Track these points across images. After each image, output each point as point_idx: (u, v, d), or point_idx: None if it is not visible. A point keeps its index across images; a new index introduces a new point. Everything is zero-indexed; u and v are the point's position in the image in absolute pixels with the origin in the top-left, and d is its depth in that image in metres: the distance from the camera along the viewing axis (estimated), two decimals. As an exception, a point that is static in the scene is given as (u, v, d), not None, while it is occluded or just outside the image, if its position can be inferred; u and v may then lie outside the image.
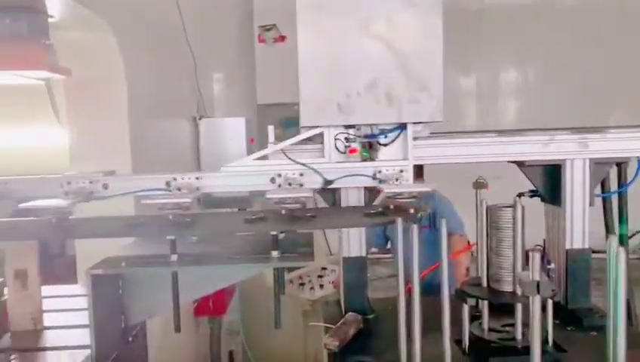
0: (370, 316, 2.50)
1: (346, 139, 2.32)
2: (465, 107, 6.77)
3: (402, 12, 2.23)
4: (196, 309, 3.42)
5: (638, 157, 2.36)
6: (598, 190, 2.44)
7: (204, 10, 4.70)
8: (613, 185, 2.47)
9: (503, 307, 2.13)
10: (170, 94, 3.68)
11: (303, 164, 2.23)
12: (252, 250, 2.04)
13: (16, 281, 2.14)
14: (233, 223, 2.09)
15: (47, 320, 2.23)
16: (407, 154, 2.32)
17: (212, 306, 3.42)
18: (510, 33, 6.35)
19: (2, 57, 2.03)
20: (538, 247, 1.81)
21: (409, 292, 1.91)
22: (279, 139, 2.49)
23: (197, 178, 2.19)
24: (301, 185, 2.21)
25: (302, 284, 3.89)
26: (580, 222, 2.36)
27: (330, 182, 2.24)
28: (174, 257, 1.94)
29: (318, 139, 2.35)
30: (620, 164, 2.40)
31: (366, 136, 2.31)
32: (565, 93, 6.22)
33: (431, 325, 1.86)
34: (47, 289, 2.32)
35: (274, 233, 1.97)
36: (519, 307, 2.00)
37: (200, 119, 3.98)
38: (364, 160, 2.31)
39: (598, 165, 2.35)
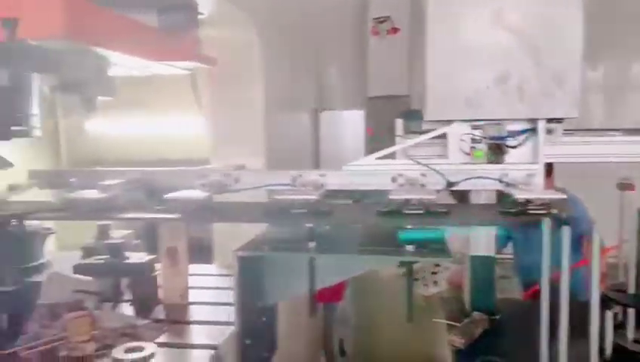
0: (497, 316, 2.45)
1: (472, 140, 2.27)
2: (591, 102, 6.33)
3: (538, 1, 2.12)
4: (317, 295, 3.51)
5: None
6: None
7: (321, 3, 4.78)
8: None
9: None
10: (296, 87, 3.80)
11: (427, 166, 2.19)
12: (382, 243, 2.07)
13: (168, 258, 2.33)
14: (367, 215, 2.12)
15: (191, 296, 2.42)
16: (538, 156, 2.20)
17: (331, 293, 3.50)
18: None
19: (159, 49, 2.19)
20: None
21: (533, 297, 1.85)
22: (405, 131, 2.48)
23: (321, 175, 2.23)
24: (422, 185, 2.17)
25: (416, 279, 3.87)
26: None
27: (453, 184, 2.19)
28: (312, 244, 2.02)
29: (442, 138, 2.29)
30: None
31: (493, 138, 2.23)
32: None
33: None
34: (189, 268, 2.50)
35: (409, 227, 1.99)
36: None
37: (321, 111, 4.07)
38: (490, 162, 2.22)
39: None
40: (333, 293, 3.61)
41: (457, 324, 2.38)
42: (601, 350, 1.95)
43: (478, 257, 2.50)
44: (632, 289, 1.97)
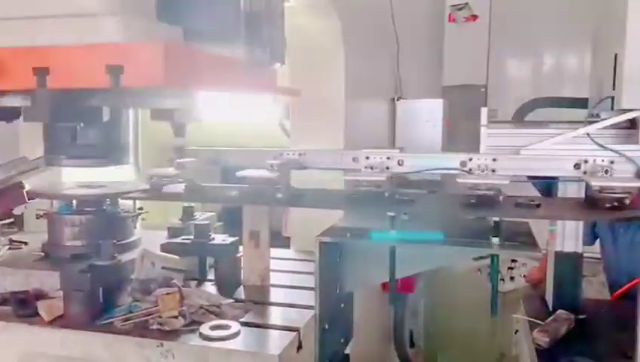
0: (583, 316, 2.35)
1: None
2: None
3: None
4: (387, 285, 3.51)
5: None
6: None
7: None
8: None
9: None
10: (375, 75, 3.78)
11: (616, 151, 1.96)
12: (468, 234, 2.02)
13: (251, 241, 2.40)
14: (450, 205, 2.08)
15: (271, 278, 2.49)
16: None
17: (403, 284, 3.48)
18: None
19: (245, 83, 2.08)
20: None
21: (622, 297, 1.74)
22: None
23: (493, 160, 2.05)
24: (610, 173, 1.94)
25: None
26: None
27: None
28: (393, 233, 2.01)
29: (626, 123, 2.05)
30: None
31: None
32: None
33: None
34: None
35: (496, 219, 1.94)
36: None
37: (398, 100, 4.02)
38: None
39: None
40: (405, 284, 3.57)
41: (541, 322, 2.30)
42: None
43: (564, 253, 2.39)
44: None
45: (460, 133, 3.85)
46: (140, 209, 2.55)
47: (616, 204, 1.85)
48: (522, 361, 2.52)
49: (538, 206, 1.94)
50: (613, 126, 2.07)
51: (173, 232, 2.66)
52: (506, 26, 4.61)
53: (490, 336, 3.71)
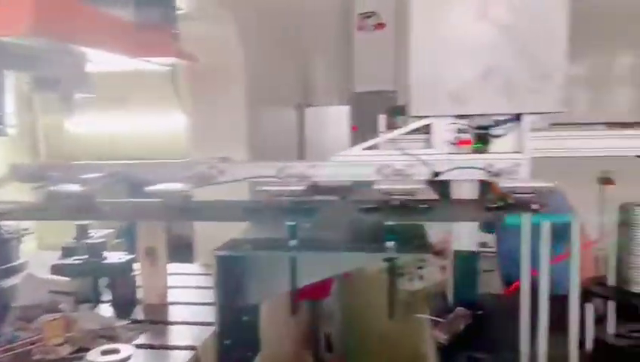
0: (480, 312, 2.45)
1: (457, 130, 2.25)
2: (575, 96, 6.35)
3: None
4: (301, 292, 3.50)
5: None
6: None
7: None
8: None
9: (629, 311, 2.01)
10: (279, 82, 3.77)
11: (413, 155, 2.18)
12: (365, 239, 2.05)
13: (147, 258, 2.30)
14: (348, 212, 2.10)
15: (170, 295, 2.39)
16: (523, 146, 2.19)
17: (316, 290, 3.49)
18: (627, 15, 5.84)
19: (136, 45, 2.14)
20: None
21: (515, 291, 1.84)
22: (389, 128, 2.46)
23: (309, 166, 2.21)
24: (408, 176, 2.15)
25: (401, 274, 3.87)
26: None
27: (439, 174, 2.17)
28: (293, 242, 2.00)
29: (427, 129, 2.26)
30: None
31: (478, 127, 2.22)
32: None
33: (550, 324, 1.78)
34: (168, 267, 2.47)
35: (390, 223, 1.97)
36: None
37: (305, 107, 4.04)
38: (476, 152, 2.21)
39: None
40: (319, 290, 3.59)
41: (441, 320, 2.37)
42: (582, 343, 1.96)
43: (462, 252, 2.49)
44: (612, 282, 1.97)
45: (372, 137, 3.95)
46: (26, 229, 2.37)
47: (502, 203, 1.97)
48: (428, 359, 2.59)
49: (429, 208, 2.00)
50: (415, 131, 2.25)
51: (67, 252, 2.50)
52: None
53: (401, 336, 3.79)
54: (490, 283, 3.37)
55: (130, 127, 3.29)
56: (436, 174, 2.18)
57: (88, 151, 3.33)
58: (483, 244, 3.96)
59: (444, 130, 2.24)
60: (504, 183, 1.95)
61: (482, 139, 2.22)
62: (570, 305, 1.75)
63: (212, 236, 2.15)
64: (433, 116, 2.23)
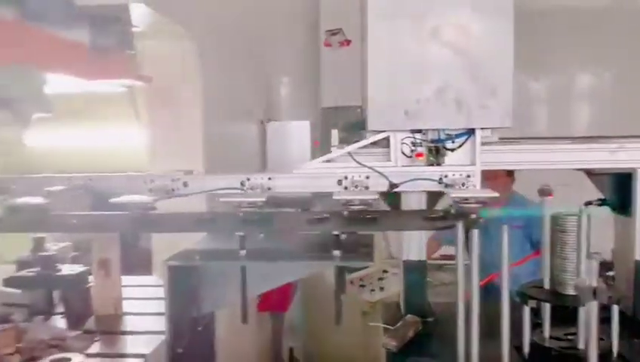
0: (430, 319, 2.53)
1: (413, 144, 2.36)
2: (535, 113, 6.57)
3: (472, 17, 2.24)
4: (260, 304, 3.55)
5: None
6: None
7: (272, 15, 4.86)
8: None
9: (565, 315, 2.11)
10: (240, 97, 3.84)
11: (370, 168, 2.28)
12: (315, 249, 2.12)
13: (100, 270, 2.33)
14: (298, 223, 2.17)
15: (126, 306, 2.42)
16: (475, 159, 2.32)
17: (275, 302, 3.54)
18: (583, 35, 6.10)
19: (92, 68, 2.20)
20: (596, 254, 1.81)
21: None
22: (344, 142, 2.55)
23: (269, 178, 2.30)
24: (367, 187, 2.26)
25: (362, 286, 3.95)
26: (651, 233, 2.29)
27: (396, 185, 2.27)
28: (243, 252, 2.06)
29: (385, 142, 2.39)
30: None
31: (433, 141, 2.33)
32: (640, 99, 5.91)
33: (494, 329, 1.88)
34: (125, 279, 2.51)
35: (336, 233, 2.05)
36: (582, 315, 1.98)
37: (267, 122, 4.11)
38: (431, 164, 2.33)
39: (672, 175, 2.28)
40: (279, 303, 3.64)
41: (391, 327, 2.45)
42: (520, 347, 2.06)
43: (411, 261, 2.58)
44: (547, 286, 2.09)
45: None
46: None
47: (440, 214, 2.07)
48: (380, 367, 2.66)
49: (374, 219, 2.09)
50: (375, 144, 2.38)
51: (22, 265, 2.51)
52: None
53: (358, 345, 3.86)
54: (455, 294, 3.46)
55: (89, 141, 3.32)
56: (394, 186, 2.28)
57: (48, 164, 3.34)
58: (449, 257, 4.08)
59: (400, 144, 2.36)
60: (455, 193, 2.04)
61: (438, 152, 2.33)
62: (502, 307, 1.85)
63: (169, 248, 2.20)
64: (390, 130, 2.34)
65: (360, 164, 2.31)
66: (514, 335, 1.94)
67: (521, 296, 2.06)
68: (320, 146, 4.25)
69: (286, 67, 6.24)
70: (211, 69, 2.98)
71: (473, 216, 1.98)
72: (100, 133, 3.29)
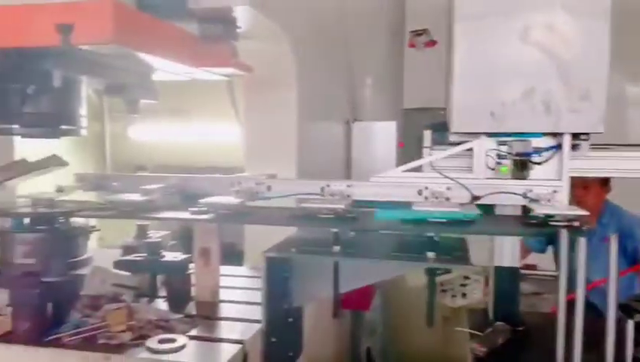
0: (520, 328, 2.47)
1: (498, 156, 2.30)
2: (631, 117, 6.18)
3: (565, 17, 2.15)
4: (344, 302, 3.58)
5: None
6: None
7: (357, 16, 4.88)
8: None
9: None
10: (331, 99, 3.90)
11: (452, 179, 2.24)
12: (406, 249, 2.13)
13: (201, 258, 2.46)
14: (391, 223, 2.19)
15: (221, 294, 2.54)
16: (562, 173, 2.23)
17: (359, 301, 3.56)
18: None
19: (198, 55, 2.32)
20: None
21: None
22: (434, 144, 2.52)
23: (348, 186, 2.31)
24: (447, 198, 2.20)
25: (444, 291, 3.90)
26: None
27: (478, 198, 2.21)
28: (336, 248, 2.10)
29: (469, 153, 2.34)
30: None
31: (518, 154, 2.26)
32: None
33: (587, 344, 1.80)
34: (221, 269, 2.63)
35: (430, 234, 2.05)
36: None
37: (353, 122, 4.16)
38: (515, 178, 2.25)
39: None
40: (361, 302, 3.66)
41: (480, 333, 2.41)
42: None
43: (503, 268, 2.53)
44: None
45: (417, 155, 4.03)
46: (93, 227, 2.58)
47: (542, 220, 2.01)
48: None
49: (472, 222, 2.06)
50: (457, 154, 2.32)
51: (127, 250, 2.70)
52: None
53: (441, 350, 3.81)
54: (538, 305, 3.35)
55: (189, 137, 3.50)
56: (475, 198, 2.23)
57: (149, 159, 3.56)
58: (532, 267, 3.95)
59: (484, 155, 2.31)
60: (541, 210, 1.98)
61: (523, 165, 2.26)
62: (607, 322, 1.77)
63: (261, 242, 2.28)
64: (473, 133, 2.29)
65: (442, 174, 2.27)
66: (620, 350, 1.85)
67: (625, 310, 1.96)
68: (404, 148, 4.25)
69: (370, 68, 6.27)
70: (306, 70, 3.06)
71: (576, 223, 1.92)
72: (200, 127, 3.46)
